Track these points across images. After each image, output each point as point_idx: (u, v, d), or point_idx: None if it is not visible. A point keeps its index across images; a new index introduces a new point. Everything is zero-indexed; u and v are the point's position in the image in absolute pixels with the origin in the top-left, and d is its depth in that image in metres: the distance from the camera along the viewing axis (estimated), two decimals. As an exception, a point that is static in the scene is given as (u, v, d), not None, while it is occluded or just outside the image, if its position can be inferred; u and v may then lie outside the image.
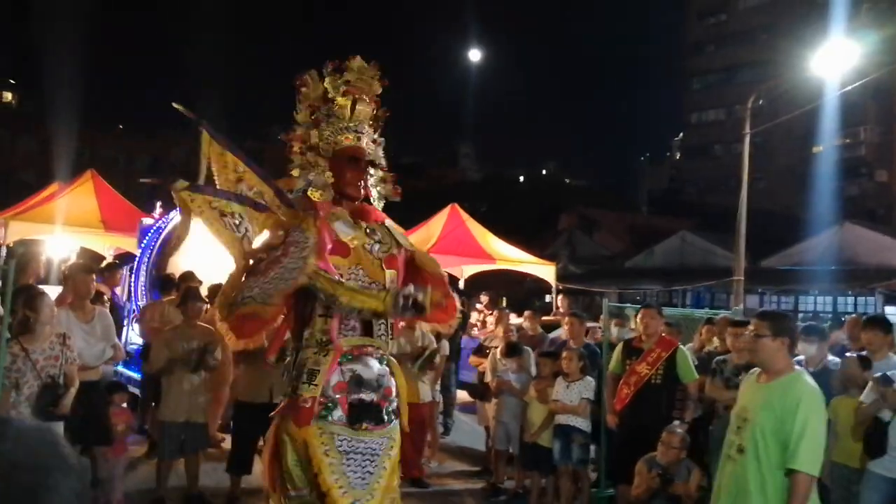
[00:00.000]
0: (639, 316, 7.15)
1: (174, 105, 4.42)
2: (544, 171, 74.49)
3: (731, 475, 3.91)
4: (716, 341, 8.03)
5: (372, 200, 4.40)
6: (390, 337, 4.16)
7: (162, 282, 8.83)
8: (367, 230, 4.19)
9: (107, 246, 13.99)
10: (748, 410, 3.94)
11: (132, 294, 9.90)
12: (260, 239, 4.18)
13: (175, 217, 9.86)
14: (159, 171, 47.13)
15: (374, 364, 4.00)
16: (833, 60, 13.79)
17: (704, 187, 50.96)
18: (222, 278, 8.72)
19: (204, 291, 8.09)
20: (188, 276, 8.64)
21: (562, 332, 8.74)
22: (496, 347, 8.28)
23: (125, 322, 9.36)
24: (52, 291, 7.39)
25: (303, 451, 3.87)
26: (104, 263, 10.62)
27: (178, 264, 9.49)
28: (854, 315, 9.43)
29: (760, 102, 15.72)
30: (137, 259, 9.93)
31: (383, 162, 4.47)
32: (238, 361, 6.69)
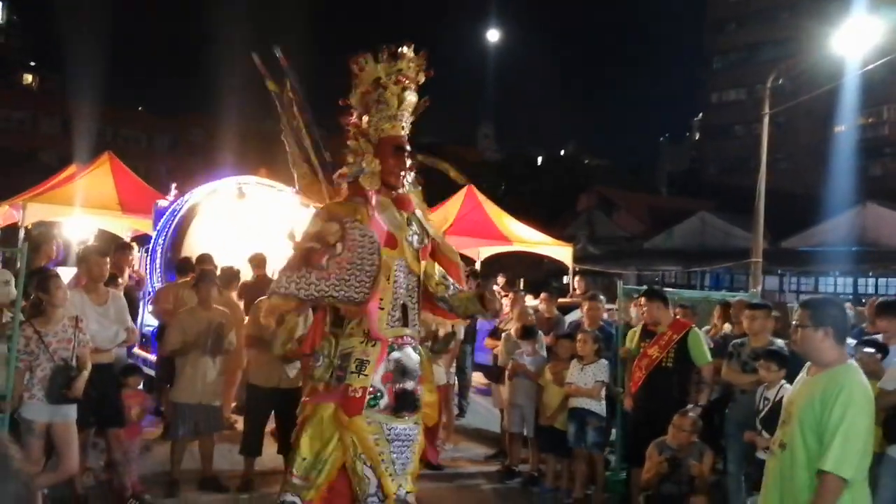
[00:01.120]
0: (641, 300, 7.11)
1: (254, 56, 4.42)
2: (563, 152, 74.06)
3: (775, 471, 3.67)
4: (727, 327, 7.94)
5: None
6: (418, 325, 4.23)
7: (178, 264, 8.84)
8: (407, 221, 4.20)
9: (125, 228, 14.03)
10: (793, 404, 3.67)
11: (148, 276, 9.91)
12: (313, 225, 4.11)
13: (190, 199, 9.87)
14: (179, 152, 47.48)
15: (413, 353, 4.09)
16: (855, 38, 13.54)
17: (725, 168, 50.50)
18: (236, 261, 8.82)
19: (218, 274, 8.11)
20: (204, 259, 8.64)
21: (581, 315, 8.67)
22: (510, 330, 8.24)
23: (140, 304, 9.38)
24: (71, 274, 7.43)
25: (351, 438, 3.95)
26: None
27: (193, 246, 9.50)
28: (874, 298, 9.31)
29: (780, 82, 15.47)
30: (153, 241, 9.93)
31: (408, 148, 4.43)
32: (250, 345, 6.69)
